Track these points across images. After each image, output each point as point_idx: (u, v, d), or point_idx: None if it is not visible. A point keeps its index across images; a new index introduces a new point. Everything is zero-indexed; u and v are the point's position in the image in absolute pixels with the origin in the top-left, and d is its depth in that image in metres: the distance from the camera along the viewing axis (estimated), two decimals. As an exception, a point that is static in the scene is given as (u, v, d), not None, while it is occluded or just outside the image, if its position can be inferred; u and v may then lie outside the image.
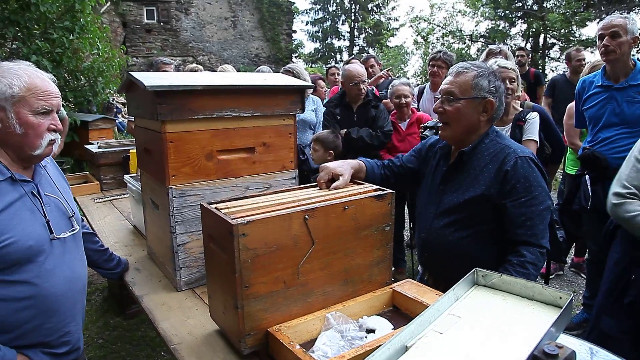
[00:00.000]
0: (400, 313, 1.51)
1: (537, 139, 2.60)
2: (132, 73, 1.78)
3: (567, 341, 1.39)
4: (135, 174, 2.76)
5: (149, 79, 1.67)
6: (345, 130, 3.45)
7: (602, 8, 16.83)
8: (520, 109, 2.73)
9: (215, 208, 1.36)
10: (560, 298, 1.24)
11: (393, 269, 4.01)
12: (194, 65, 4.97)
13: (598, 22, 2.96)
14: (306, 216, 1.32)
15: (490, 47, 3.58)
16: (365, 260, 1.50)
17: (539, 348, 0.95)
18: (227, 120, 1.77)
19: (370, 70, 5.04)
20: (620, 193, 1.90)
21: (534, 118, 2.63)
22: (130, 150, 3.30)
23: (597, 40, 2.84)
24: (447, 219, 1.80)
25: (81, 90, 6.61)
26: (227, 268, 1.28)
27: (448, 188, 1.83)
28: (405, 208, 3.98)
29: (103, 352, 3.01)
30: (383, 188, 1.55)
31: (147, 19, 17.34)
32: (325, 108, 3.91)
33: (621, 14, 3.00)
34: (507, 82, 2.57)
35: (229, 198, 1.48)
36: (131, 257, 2.18)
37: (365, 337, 1.32)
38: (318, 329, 1.37)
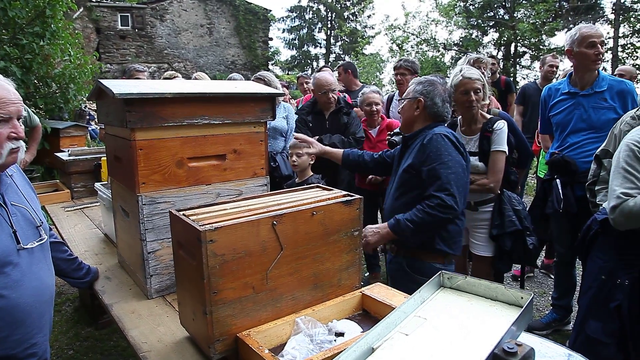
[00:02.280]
0: (370, 316, 1.53)
1: (505, 149, 2.59)
2: (101, 80, 1.78)
3: (548, 346, 1.44)
4: (106, 182, 2.74)
5: (118, 86, 1.67)
6: (317, 137, 3.48)
7: (570, 18, 17.40)
8: (489, 116, 2.76)
9: (184, 215, 1.36)
10: (522, 298, 1.28)
11: (367, 274, 4.05)
12: (171, 72, 4.94)
13: (566, 32, 3.06)
14: (274, 222, 1.34)
15: (470, 56, 3.62)
16: (334, 265, 1.53)
17: (499, 346, 0.98)
18: (198, 127, 1.78)
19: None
20: (618, 202, 1.90)
21: (501, 128, 2.61)
22: (102, 158, 3.26)
23: (580, 46, 2.88)
24: (396, 192, 2.24)
25: (52, 97, 6.48)
26: (195, 274, 1.28)
27: (398, 167, 2.30)
28: (379, 213, 4.02)
29: (73, 364, 2.95)
30: (351, 194, 1.58)
31: (121, 25, 17.15)
32: (297, 116, 3.95)
33: (593, 24, 3.13)
34: (472, 93, 2.56)
35: (198, 205, 1.49)
36: (101, 266, 2.15)
37: (334, 340, 1.34)
38: (288, 334, 1.38)
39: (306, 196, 1.58)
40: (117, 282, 1.99)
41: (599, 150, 2.47)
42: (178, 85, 1.96)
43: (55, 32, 6.01)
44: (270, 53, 21.28)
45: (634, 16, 16.50)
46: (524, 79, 18.51)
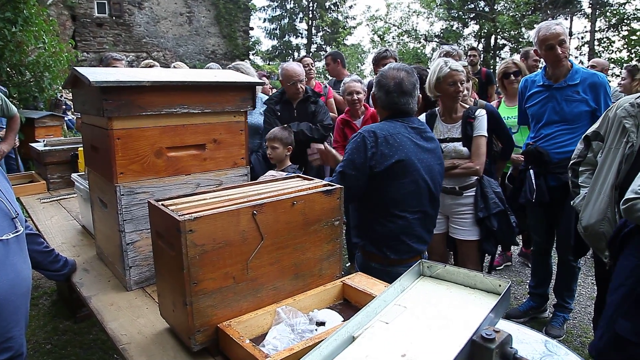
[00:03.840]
0: (351, 305, 1.54)
1: (486, 134, 2.75)
2: (77, 68, 1.73)
3: (525, 332, 1.48)
4: (83, 173, 2.68)
5: (95, 74, 1.63)
6: (285, 125, 3.51)
7: (549, 12, 17.65)
8: (467, 106, 2.87)
9: (163, 205, 1.34)
10: (500, 286, 1.30)
11: (349, 264, 4.08)
12: (149, 61, 4.85)
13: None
14: (254, 212, 1.33)
15: (444, 47, 3.68)
16: (315, 255, 1.53)
17: (477, 333, 1.00)
18: (177, 116, 1.75)
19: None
20: (632, 197, 1.88)
21: (482, 115, 2.77)
22: (79, 148, 3.19)
23: (540, 48, 2.94)
24: None
25: (26, 85, 6.32)
26: (175, 265, 1.27)
27: None
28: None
29: (51, 358, 2.90)
30: (332, 183, 1.58)
31: (98, 13, 16.72)
32: (265, 105, 3.96)
33: (565, 18, 3.17)
34: (459, 84, 2.70)
35: (177, 195, 1.47)
36: (79, 258, 2.12)
37: (316, 330, 1.34)
38: (269, 324, 1.38)
39: (286, 186, 1.58)
40: (95, 274, 1.96)
41: (589, 130, 2.45)
42: (156, 74, 1.92)
43: (28, 19, 5.85)
44: (251, 43, 21.04)
45: (609, 11, 16.81)
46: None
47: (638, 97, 2.26)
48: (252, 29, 20.71)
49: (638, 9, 15.90)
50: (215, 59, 17.75)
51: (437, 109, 2.91)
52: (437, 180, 2.15)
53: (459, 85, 2.71)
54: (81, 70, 1.68)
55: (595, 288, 2.95)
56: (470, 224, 2.80)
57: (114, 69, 3.22)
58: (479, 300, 1.28)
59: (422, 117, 2.88)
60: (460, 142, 2.76)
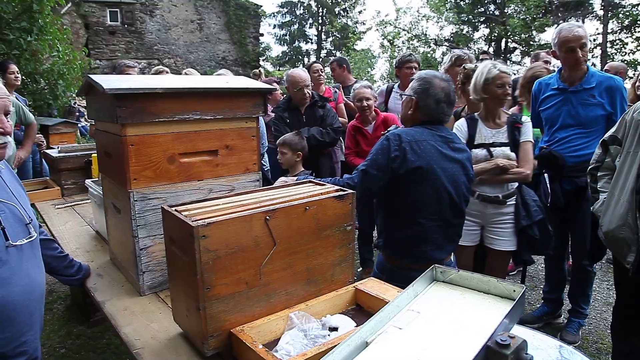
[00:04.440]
0: (363, 311, 1.53)
1: (532, 139, 2.73)
2: (91, 76, 1.76)
3: (540, 338, 1.46)
4: (97, 179, 2.71)
5: (109, 81, 1.65)
6: (296, 130, 3.52)
7: (560, 14, 17.51)
8: (509, 112, 2.85)
9: (176, 210, 1.35)
10: (514, 291, 1.29)
11: (361, 269, 4.06)
12: (160, 67, 4.90)
13: (556, 27, 3.03)
14: (267, 217, 1.33)
15: (455, 51, 3.65)
16: (327, 260, 1.53)
17: (492, 339, 0.99)
18: (189, 123, 1.77)
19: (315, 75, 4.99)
20: None
21: (528, 121, 2.75)
22: (92, 155, 3.23)
23: (560, 50, 2.91)
24: None
25: (40, 93, 6.42)
26: (188, 270, 1.28)
27: None
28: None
29: (65, 362, 2.93)
30: (344, 188, 1.58)
31: (110, 21, 16.95)
32: (274, 113, 3.99)
33: (577, 20, 3.14)
34: (506, 87, 2.64)
35: (190, 201, 1.48)
36: (93, 263, 2.14)
37: (328, 335, 1.34)
38: (281, 329, 1.38)
39: (299, 191, 1.58)
40: (109, 280, 1.97)
41: (607, 135, 2.42)
42: (169, 81, 1.94)
43: (42, 28, 5.95)
44: (261, 49, 21.18)
45: (622, 12, 16.62)
46: (515, 74, 18.59)
47: None
48: (262, 35, 20.86)
49: (651, 11, 15.72)
50: (226, 65, 17.87)
51: (476, 113, 2.82)
52: (461, 190, 2.11)
53: (507, 88, 2.64)
54: (95, 77, 1.70)
55: (611, 293, 2.91)
56: (510, 233, 2.72)
57: (127, 76, 3.27)
58: (493, 306, 1.27)
59: (462, 122, 2.79)
60: (508, 147, 2.69)
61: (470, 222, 2.70)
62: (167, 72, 4.52)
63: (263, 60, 21.75)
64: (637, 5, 16.19)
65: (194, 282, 1.26)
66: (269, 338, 1.36)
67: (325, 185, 1.66)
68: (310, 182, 1.73)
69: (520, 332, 1.38)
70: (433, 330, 1.14)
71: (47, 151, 3.79)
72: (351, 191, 1.56)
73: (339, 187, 1.60)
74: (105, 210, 2.11)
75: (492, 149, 2.67)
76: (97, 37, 16.59)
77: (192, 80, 2.20)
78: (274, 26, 27.31)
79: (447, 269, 1.39)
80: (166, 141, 1.73)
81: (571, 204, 2.92)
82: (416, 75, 2.21)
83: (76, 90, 6.94)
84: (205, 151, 1.83)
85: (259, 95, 1.94)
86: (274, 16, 27.02)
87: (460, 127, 2.75)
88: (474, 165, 2.39)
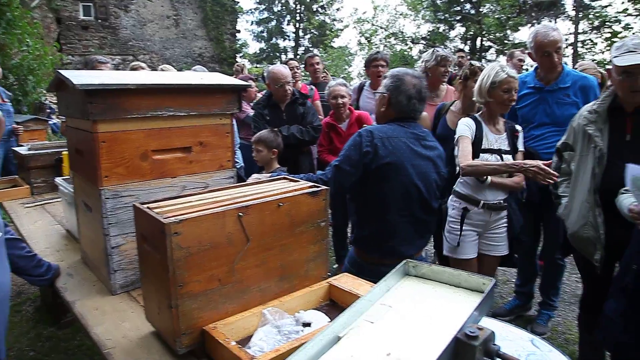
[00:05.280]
0: (337, 306, 1.54)
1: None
2: (61, 71, 1.72)
3: (510, 330, 1.49)
4: (68, 177, 2.65)
5: (79, 77, 1.62)
6: (276, 129, 3.51)
7: (533, 14, 17.88)
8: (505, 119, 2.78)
9: (148, 208, 1.34)
10: (484, 284, 1.31)
11: (336, 265, 4.08)
12: (137, 63, 4.81)
13: (530, 27, 3.09)
14: (240, 214, 1.33)
15: (439, 51, 3.57)
16: (301, 256, 1.53)
17: (461, 331, 1.01)
18: (163, 119, 1.75)
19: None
20: None
21: (521, 130, 2.77)
22: (63, 152, 3.16)
23: (536, 54, 2.96)
24: None
25: (9, 89, 6.23)
26: (160, 268, 1.27)
27: None
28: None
29: (36, 364, 2.87)
30: (318, 185, 1.59)
31: (83, 16, 16.54)
32: (253, 110, 3.96)
33: (549, 20, 3.19)
34: (513, 92, 2.58)
35: (163, 198, 1.47)
36: (63, 263, 2.09)
37: (302, 330, 1.35)
38: (255, 326, 1.38)
39: (272, 188, 1.58)
40: (79, 279, 1.94)
41: (559, 143, 2.55)
42: (142, 77, 1.91)
43: (11, 21, 5.78)
44: (238, 45, 21.00)
45: (592, 13, 17.08)
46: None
47: (594, 104, 2.36)
48: (239, 31, 20.66)
49: (619, 12, 16.20)
50: (202, 62, 17.66)
51: (477, 115, 2.74)
52: (431, 187, 2.14)
53: (513, 93, 2.58)
54: (65, 73, 1.67)
55: (580, 286, 3.00)
56: (504, 238, 2.74)
57: (99, 71, 3.20)
58: (464, 299, 1.29)
59: (466, 121, 2.66)
60: (511, 156, 2.65)
61: (473, 232, 2.68)
62: (142, 69, 4.45)
63: (240, 57, 21.58)
64: (606, 6, 16.67)
65: (166, 279, 1.25)
66: (243, 335, 1.36)
67: (299, 181, 1.67)
68: (284, 178, 1.73)
69: (492, 324, 1.41)
70: (404, 324, 1.16)
71: (16, 149, 3.69)
72: (325, 187, 1.57)
73: (312, 184, 1.61)
74: (76, 209, 2.07)
75: (503, 155, 2.62)
76: (70, 32, 16.17)
77: (166, 76, 2.17)
78: (252, 23, 27.17)
79: (419, 263, 1.41)
80: (139, 138, 1.70)
81: (545, 200, 3.00)
82: (389, 73, 2.24)
83: (47, 86, 6.76)
84: (178, 148, 1.81)
85: (234, 92, 1.93)
86: (251, 12, 26.88)
87: (469, 125, 2.65)
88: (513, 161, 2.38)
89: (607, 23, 16.74)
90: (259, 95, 5.54)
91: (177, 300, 1.25)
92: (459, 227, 2.65)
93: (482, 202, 2.62)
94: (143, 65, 4.70)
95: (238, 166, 3.74)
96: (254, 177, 2.27)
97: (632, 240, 2.04)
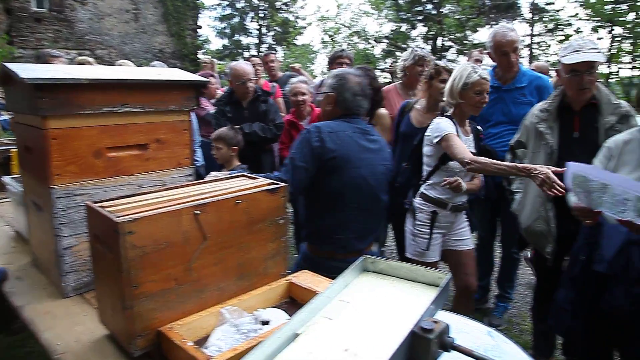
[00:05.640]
0: (297, 303, 1.54)
1: None
2: (7, 64, 1.64)
3: (467, 323, 1.52)
4: (17, 176, 2.54)
5: (28, 70, 1.55)
6: (237, 126, 3.47)
7: (492, 16, 18.43)
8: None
9: (101, 207, 1.30)
10: (440, 278, 1.35)
11: (301, 263, 4.08)
12: (84, 58, 4.63)
13: (489, 28, 3.20)
14: (196, 212, 1.31)
15: (418, 51, 3.53)
16: (259, 254, 1.52)
17: (418, 325, 1.03)
18: (118, 116, 1.70)
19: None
20: None
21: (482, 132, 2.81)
22: (12, 150, 3.02)
23: (495, 53, 3.06)
24: None
25: (-46, 83, 5.91)
26: (114, 268, 1.23)
27: None
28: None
29: (-17, 373, 2.73)
30: (276, 182, 1.58)
31: (36, 7, 15.86)
32: (215, 107, 3.91)
33: (507, 22, 3.29)
34: (484, 94, 2.55)
35: (117, 196, 1.43)
36: (12, 266, 2.00)
37: (260, 329, 1.34)
38: (213, 325, 1.36)
39: (230, 185, 1.56)
40: (29, 282, 1.86)
41: (512, 141, 2.64)
42: (96, 71, 1.86)
43: (-45, 12, 5.45)
44: (200, 42, 20.64)
45: (547, 17, 17.77)
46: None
47: (545, 103, 2.47)
48: (200, 27, 20.32)
49: (571, 16, 16.93)
50: (163, 58, 17.24)
51: (449, 112, 2.69)
52: (380, 179, 2.21)
53: (485, 95, 2.55)
54: (12, 66, 1.59)
55: (533, 278, 3.12)
56: (468, 232, 2.77)
57: (50, 65, 3.08)
58: (422, 293, 1.32)
59: (446, 120, 2.58)
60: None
61: (439, 235, 2.66)
62: (90, 64, 4.29)
63: (203, 53, 21.20)
64: (559, 10, 17.38)
65: (120, 280, 1.21)
66: (200, 335, 1.34)
67: (257, 179, 1.66)
68: (242, 176, 1.72)
69: (448, 318, 1.44)
70: (362, 319, 1.17)
71: (-38, 146, 3.50)
72: (283, 184, 1.57)
73: (271, 181, 1.60)
74: (26, 209, 1.99)
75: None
76: (21, 23, 15.46)
77: (122, 71, 2.11)
78: (214, 19, 26.76)
79: (377, 259, 1.43)
80: (92, 135, 1.65)
81: (502, 196, 3.09)
82: (331, 74, 2.32)
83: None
84: (134, 145, 1.77)
85: (193, 88, 1.89)
86: (214, 9, 26.45)
87: (450, 124, 2.56)
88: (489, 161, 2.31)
89: (559, 26, 17.46)
90: (220, 92, 5.47)
91: (132, 301, 1.22)
92: (429, 230, 2.62)
93: (449, 204, 2.62)
94: (90, 60, 4.54)
95: (198, 164, 3.70)
96: (213, 174, 2.25)
97: (579, 233, 2.14)
